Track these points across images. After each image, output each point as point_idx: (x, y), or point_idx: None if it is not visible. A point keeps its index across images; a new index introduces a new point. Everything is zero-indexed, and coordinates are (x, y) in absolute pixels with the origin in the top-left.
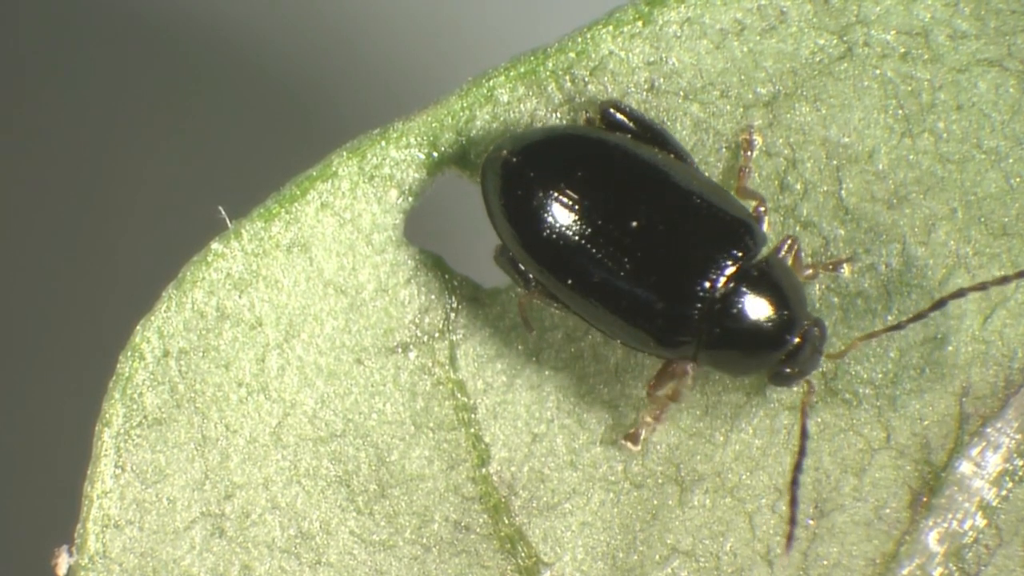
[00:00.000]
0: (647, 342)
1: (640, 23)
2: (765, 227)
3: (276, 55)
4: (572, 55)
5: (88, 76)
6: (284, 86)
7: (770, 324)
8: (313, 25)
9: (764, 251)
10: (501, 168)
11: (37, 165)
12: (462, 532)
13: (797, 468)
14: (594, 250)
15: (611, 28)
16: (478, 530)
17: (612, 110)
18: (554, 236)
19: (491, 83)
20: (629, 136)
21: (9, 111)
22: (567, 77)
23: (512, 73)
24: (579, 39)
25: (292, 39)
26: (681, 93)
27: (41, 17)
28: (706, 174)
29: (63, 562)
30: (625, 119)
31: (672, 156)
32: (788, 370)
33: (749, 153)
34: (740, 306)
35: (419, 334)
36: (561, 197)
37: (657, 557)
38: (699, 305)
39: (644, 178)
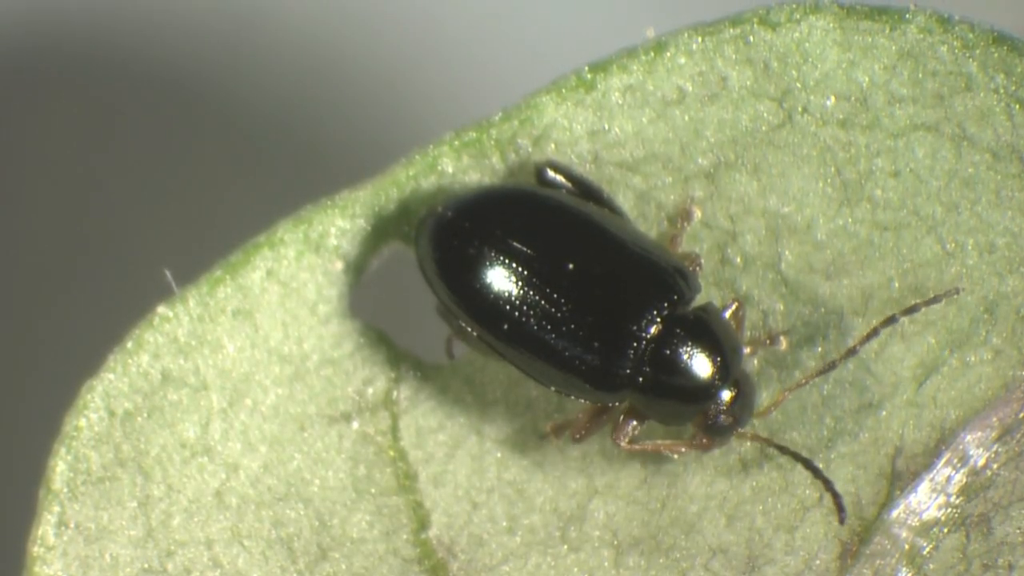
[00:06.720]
0: (581, 386)
1: (582, 90)
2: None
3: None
4: (516, 123)
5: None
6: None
7: (702, 368)
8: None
9: (700, 300)
10: (435, 222)
11: None
12: None
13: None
14: (529, 293)
15: (554, 95)
16: None
17: (548, 170)
18: (488, 282)
19: (436, 152)
20: (564, 192)
21: None
22: (511, 148)
23: (457, 143)
24: (523, 107)
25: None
26: (624, 165)
27: None
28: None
29: None
30: (561, 178)
31: (607, 210)
32: (721, 418)
33: (685, 224)
34: (673, 348)
35: (362, 404)
36: (495, 244)
37: None
38: (634, 345)
39: (577, 225)
